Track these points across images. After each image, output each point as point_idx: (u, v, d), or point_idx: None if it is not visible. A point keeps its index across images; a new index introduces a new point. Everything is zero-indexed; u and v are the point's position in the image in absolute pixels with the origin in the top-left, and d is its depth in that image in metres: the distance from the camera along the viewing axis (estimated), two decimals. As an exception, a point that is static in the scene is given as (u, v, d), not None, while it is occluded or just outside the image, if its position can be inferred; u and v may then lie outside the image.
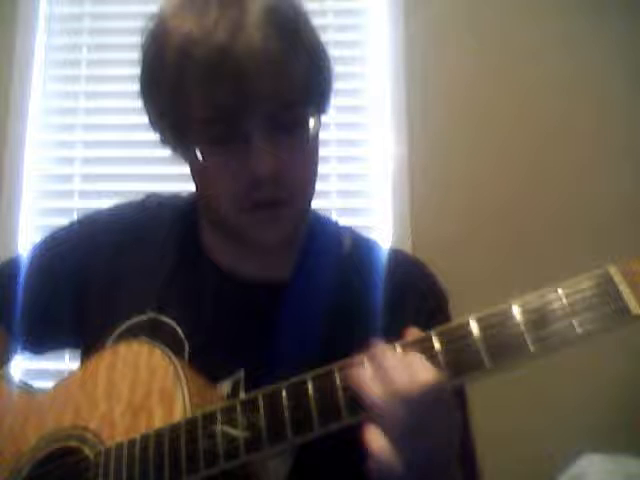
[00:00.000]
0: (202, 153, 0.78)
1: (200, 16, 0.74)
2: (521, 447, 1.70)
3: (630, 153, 1.98)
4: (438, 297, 0.92)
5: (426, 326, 0.68)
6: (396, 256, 0.95)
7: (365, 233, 0.99)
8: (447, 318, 0.89)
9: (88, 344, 0.91)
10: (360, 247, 0.94)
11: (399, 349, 0.64)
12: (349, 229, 0.98)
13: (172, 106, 0.79)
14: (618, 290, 0.55)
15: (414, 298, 0.88)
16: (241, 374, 0.81)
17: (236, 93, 0.74)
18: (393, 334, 0.75)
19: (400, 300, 0.86)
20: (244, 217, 0.80)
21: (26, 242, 2.02)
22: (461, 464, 0.71)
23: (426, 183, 1.99)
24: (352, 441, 0.64)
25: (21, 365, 1.73)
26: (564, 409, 1.78)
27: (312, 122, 0.79)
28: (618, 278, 0.55)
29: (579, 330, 0.55)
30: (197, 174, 0.84)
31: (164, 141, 0.86)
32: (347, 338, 0.81)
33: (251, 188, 0.77)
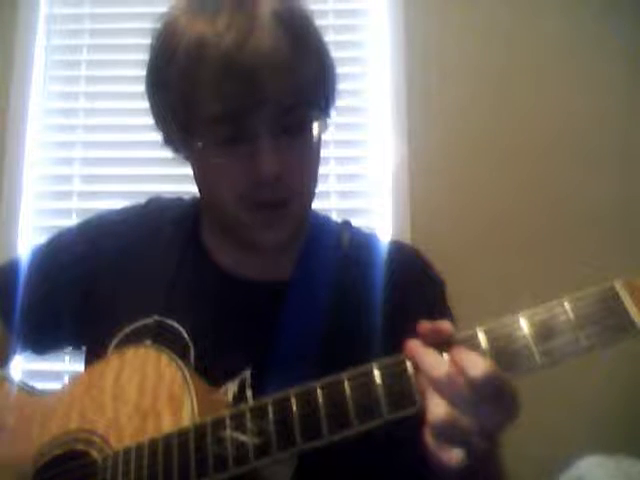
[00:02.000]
0: (207, 153, 0.79)
1: (211, 18, 0.75)
2: (521, 448, 1.70)
3: (632, 156, 1.98)
4: (436, 288, 0.94)
5: (426, 318, 0.68)
6: (393, 249, 0.96)
7: (363, 228, 1.00)
8: (446, 307, 0.91)
9: (91, 346, 0.91)
10: (358, 242, 0.95)
11: None
12: (347, 225, 0.99)
13: (180, 106, 0.80)
14: (623, 305, 0.56)
15: (413, 291, 0.89)
16: (247, 374, 0.82)
17: (245, 95, 0.75)
18: (395, 328, 0.76)
19: (400, 294, 0.87)
20: (246, 217, 0.81)
21: (26, 243, 2.02)
22: None
23: (426, 184, 1.99)
24: (356, 445, 0.65)
25: (21, 366, 1.73)
26: (564, 410, 1.79)
27: (316, 125, 0.81)
28: (623, 293, 0.56)
29: (585, 343, 0.56)
30: (200, 174, 0.85)
31: (168, 142, 0.86)
32: (350, 334, 0.83)
33: (254, 188, 0.78)
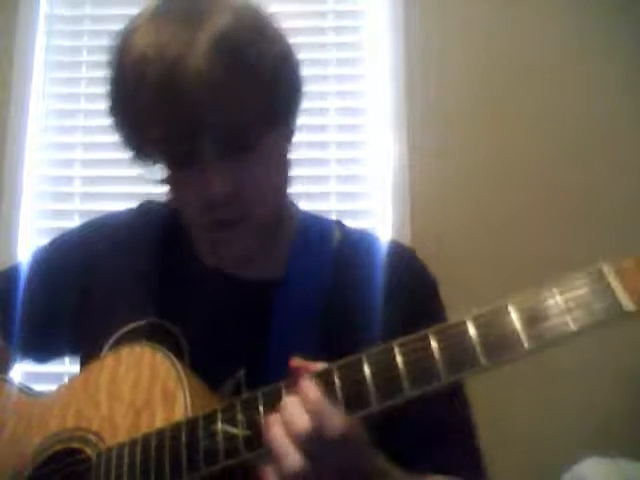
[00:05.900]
0: (160, 172, 0.79)
1: (156, 33, 0.73)
2: (523, 450, 1.70)
3: (626, 149, 1.98)
4: (426, 288, 0.93)
5: (416, 318, 0.68)
6: (385, 247, 0.95)
7: (356, 227, 1.00)
8: (437, 306, 0.91)
9: (87, 348, 0.91)
10: (351, 240, 0.94)
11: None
12: (339, 223, 0.99)
13: (130, 125, 0.79)
14: (611, 287, 0.55)
15: (403, 291, 0.88)
16: (242, 374, 0.82)
17: (181, 118, 0.73)
18: (386, 326, 0.76)
19: (390, 293, 0.87)
20: (203, 235, 0.83)
21: (26, 244, 2.02)
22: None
23: (426, 184, 1.99)
24: None
25: (21, 368, 1.73)
26: (566, 412, 1.78)
27: (269, 139, 0.79)
28: (611, 276, 0.55)
29: (573, 326, 0.56)
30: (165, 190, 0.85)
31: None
32: (343, 331, 0.83)
33: (204, 210, 0.79)
